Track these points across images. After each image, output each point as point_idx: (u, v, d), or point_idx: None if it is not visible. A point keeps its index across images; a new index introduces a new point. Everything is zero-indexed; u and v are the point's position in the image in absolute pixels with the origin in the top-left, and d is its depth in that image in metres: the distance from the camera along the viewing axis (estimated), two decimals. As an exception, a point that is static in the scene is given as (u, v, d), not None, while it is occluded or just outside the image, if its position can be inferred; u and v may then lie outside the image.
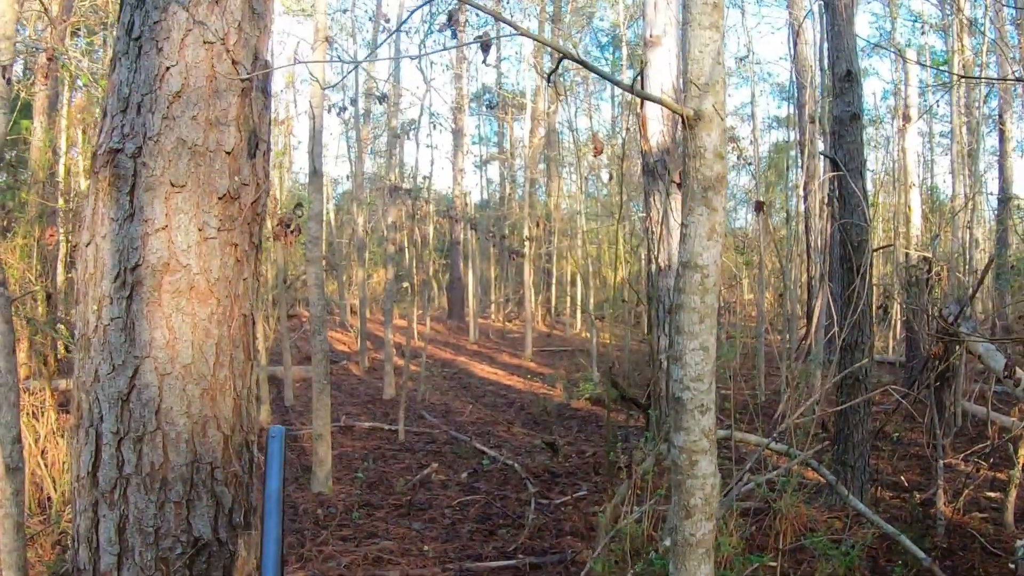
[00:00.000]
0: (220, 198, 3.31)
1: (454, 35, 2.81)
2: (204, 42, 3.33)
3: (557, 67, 2.61)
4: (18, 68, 13.54)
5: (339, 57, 24.86)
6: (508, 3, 22.90)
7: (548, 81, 2.88)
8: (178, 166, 3.25)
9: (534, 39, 2.54)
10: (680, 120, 2.74)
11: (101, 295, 3.24)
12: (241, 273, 3.40)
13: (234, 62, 3.37)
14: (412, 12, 3.38)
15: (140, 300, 3.21)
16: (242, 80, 3.38)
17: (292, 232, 6.38)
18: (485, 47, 2.75)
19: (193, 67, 3.31)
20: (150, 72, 3.30)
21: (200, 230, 3.26)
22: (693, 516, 2.77)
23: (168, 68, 3.29)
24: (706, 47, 2.58)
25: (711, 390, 2.78)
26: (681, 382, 2.75)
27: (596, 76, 29.23)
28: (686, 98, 2.65)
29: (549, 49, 25.91)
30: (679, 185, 10.16)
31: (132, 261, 3.21)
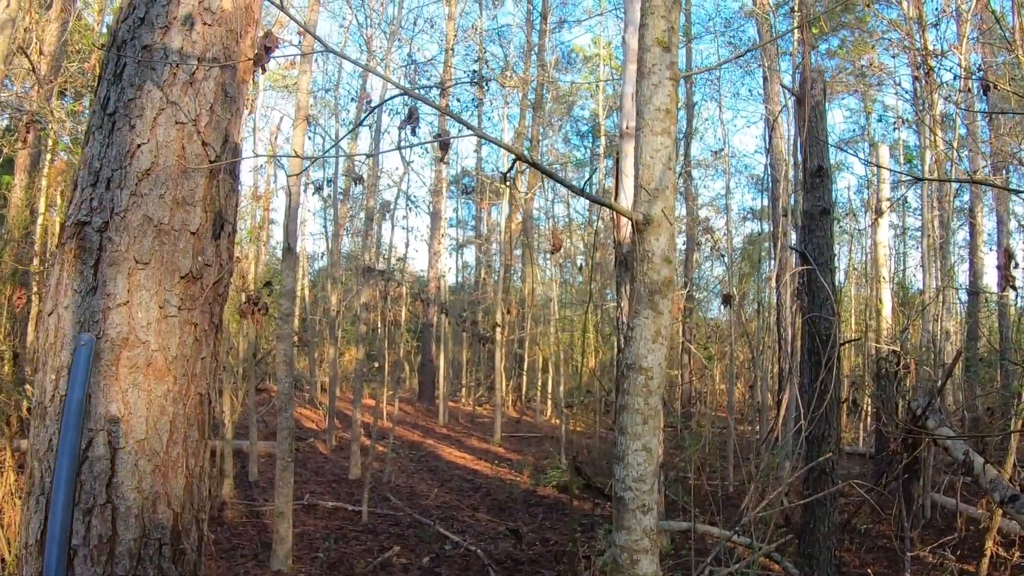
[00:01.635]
0: (182, 277, 3.36)
1: (414, 132, 2.88)
2: (176, 122, 3.40)
3: (511, 169, 2.68)
4: (2, 123, 13.62)
5: (321, 135, 25.15)
6: (490, 91, 23.25)
7: (505, 182, 2.94)
8: (143, 243, 3.29)
9: (489, 140, 2.62)
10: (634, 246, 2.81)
11: (60, 365, 3.26)
12: (199, 352, 3.43)
13: (204, 143, 3.45)
14: (371, 110, 3.45)
15: (98, 373, 3.22)
16: (211, 161, 3.45)
17: (259, 310, 6.39)
18: (444, 147, 2.83)
19: (164, 146, 3.38)
20: (121, 148, 3.37)
21: (161, 307, 3.30)
22: (635, 615, 2.78)
23: (139, 145, 3.36)
24: (657, 152, 2.66)
25: (653, 490, 2.81)
26: (623, 482, 2.78)
27: (575, 163, 29.65)
28: (635, 202, 2.72)
29: (529, 135, 26.32)
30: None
31: (92, 334, 3.23)
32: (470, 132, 2.44)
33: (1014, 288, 6.75)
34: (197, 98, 3.45)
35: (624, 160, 10.55)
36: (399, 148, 3.07)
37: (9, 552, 7.17)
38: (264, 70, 3.12)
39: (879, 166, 15.55)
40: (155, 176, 3.35)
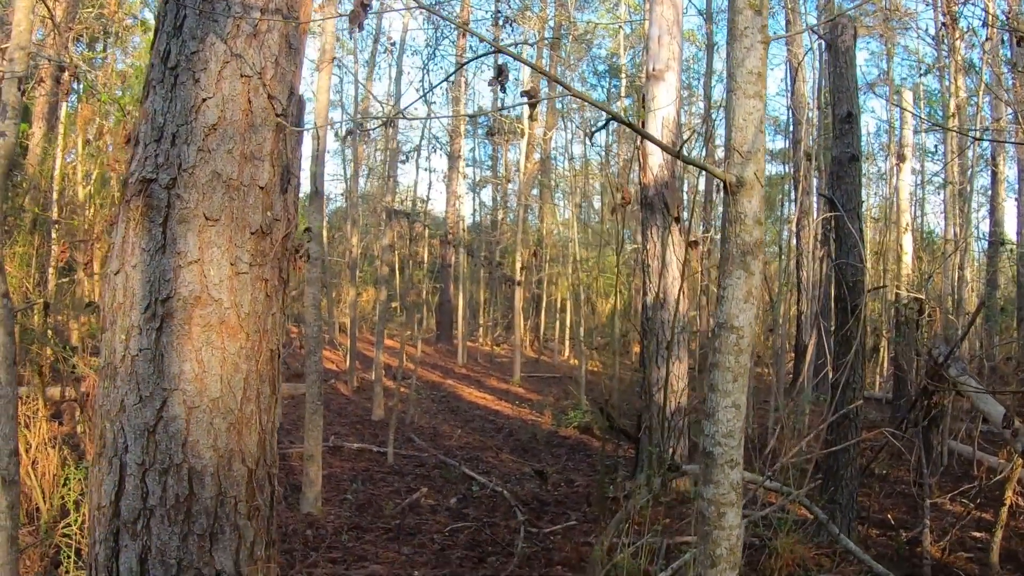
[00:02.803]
0: (253, 233, 3.34)
1: (503, 89, 2.83)
2: (241, 75, 3.36)
3: (605, 126, 2.63)
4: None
5: (338, 76, 24.92)
6: (508, 29, 22.98)
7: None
8: (212, 199, 3.27)
9: (583, 99, 2.59)
10: (723, 206, 2.78)
11: (130, 325, 3.26)
12: (270, 308, 3.43)
13: (270, 96, 3.41)
14: (460, 65, 3.38)
15: (170, 332, 3.23)
16: (277, 115, 3.42)
17: (301, 257, 6.36)
18: (532, 105, 2.79)
19: (230, 100, 3.34)
20: (186, 102, 3.33)
21: (232, 264, 3.29)
22: (719, 566, 2.81)
23: (205, 100, 3.32)
24: (750, 115, 2.63)
25: (740, 446, 2.83)
26: (713, 438, 2.79)
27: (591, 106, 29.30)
28: (728, 164, 2.69)
29: (544, 81, 26.04)
30: (677, 220, 10.22)
31: (163, 293, 3.23)
32: (565, 93, 2.40)
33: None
34: (262, 50, 3.40)
35: (651, 102, 10.45)
36: (501, 110, 3.00)
37: (44, 502, 7.25)
38: (361, 28, 3.05)
39: (905, 108, 15.38)
40: (222, 131, 3.31)
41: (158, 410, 3.22)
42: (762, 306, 22.30)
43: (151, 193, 3.28)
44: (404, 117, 3.57)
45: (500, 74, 2.64)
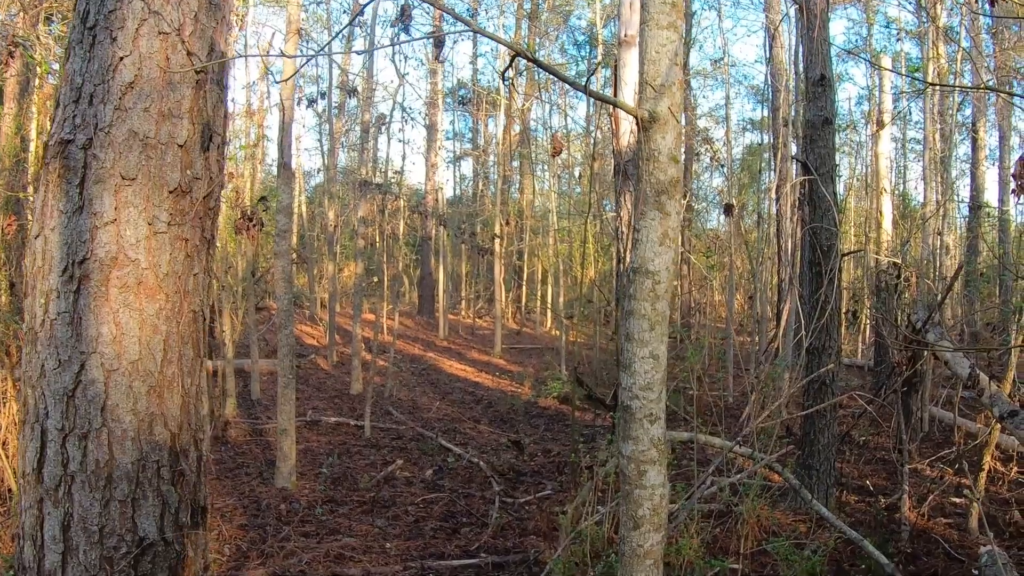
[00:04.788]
0: (171, 192, 3.24)
1: (406, 30, 2.75)
2: (159, 32, 3.26)
3: (511, 65, 2.55)
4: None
5: (314, 49, 24.74)
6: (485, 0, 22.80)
7: (503, 80, 2.81)
8: (129, 158, 3.18)
9: (485, 35, 2.50)
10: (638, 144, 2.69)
11: (48, 289, 3.17)
12: (191, 268, 3.33)
13: (189, 53, 3.30)
14: (365, 5, 3.30)
15: (87, 294, 3.14)
16: (197, 72, 3.32)
17: (255, 225, 6.29)
18: (438, 43, 2.70)
19: (147, 58, 3.24)
20: (103, 62, 3.23)
21: (150, 224, 3.19)
22: (641, 527, 2.72)
23: (122, 58, 3.22)
24: (663, 47, 2.52)
25: (661, 399, 2.73)
26: (630, 390, 2.70)
27: (572, 73, 29.19)
28: (640, 99, 2.59)
29: (525, 45, 25.87)
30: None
31: (80, 255, 3.14)
32: (466, 28, 2.32)
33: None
34: (180, 7, 3.29)
35: (623, 69, 10.34)
36: (392, 44, 2.93)
37: (16, 481, 7.16)
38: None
39: (884, 68, 15.28)
40: (139, 89, 3.21)
41: (76, 374, 3.13)
42: (744, 274, 22.32)
43: (68, 154, 3.18)
44: (327, 55, 3.45)
45: (403, 14, 2.55)
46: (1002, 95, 16.64)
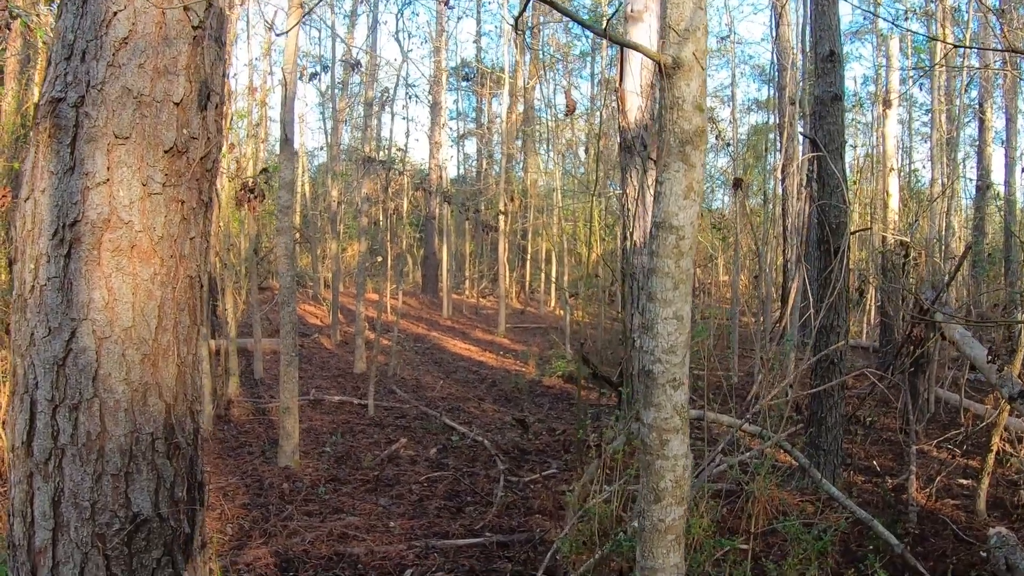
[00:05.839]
0: (166, 151, 3.10)
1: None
2: (154, -14, 3.12)
3: (524, 8, 2.42)
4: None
5: (317, 27, 24.56)
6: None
7: (516, 28, 2.68)
8: (122, 116, 3.03)
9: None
10: (660, 93, 2.55)
11: (38, 253, 3.04)
12: (188, 232, 3.19)
13: (186, 8, 3.16)
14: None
15: (78, 259, 3.00)
16: (194, 27, 3.17)
17: (256, 197, 6.16)
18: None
19: (142, 12, 3.09)
20: (96, 17, 3.09)
21: (144, 185, 3.05)
22: (663, 500, 2.59)
23: (115, 13, 3.08)
24: (688, -10, 2.38)
25: (685, 363, 2.59)
26: (652, 354, 2.56)
27: (576, 53, 29.01)
28: (664, 45, 2.45)
29: (529, 23, 25.69)
30: (656, 162, 9.99)
31: (71, 217, 3.00)
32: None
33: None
34: (176, -41, 3.16)
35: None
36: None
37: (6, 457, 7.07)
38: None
39: (893, 24, 15.11)
40: (133, 44, 3.07)
41: (67, 342, 3.00)
42: (749, 254, 22.20)
43: (58, 113, 3.04)
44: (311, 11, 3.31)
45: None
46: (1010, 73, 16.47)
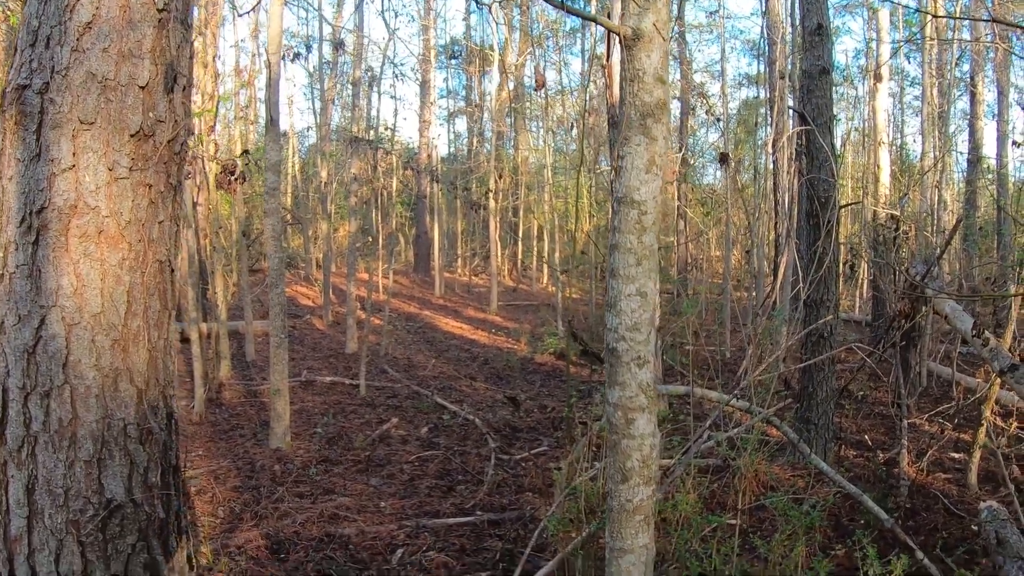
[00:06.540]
0: (132, 135, 3.07)
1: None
2: (118, -31, 3.08)
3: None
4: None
5: (305, 7, 24.41)
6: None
7: (478, 4, 2.64)
8: (87, 101, 3.01)
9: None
10: (621, 66, 2.52)
11: (7, 241, 3.03)
12: (156, 216, 3.17)
13: (150, -9, 3.13)
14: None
15: (46, 245, 2.99)
16: (159, 10, 3.14)
17: (236, 180, 6.12)
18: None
19: (106, -4, 3.06)
20: (60, 3, 3.07)
21: (110, 170, 3.03)
22: (630, 480, 2.58)
23: (79, -2, 3.05)
24: (647, -46, 2.35)
25: (649, 341, 2.56)
26: (616, 331, 2.55)
27: (566, 30, 28.87)
28: (624, 16, 2.42)
29: (517, 4, 25.55)
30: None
31: (38, 204, 2.98)
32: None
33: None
34: (140, -58, 3.11)
35: (616, 19, 10.13)
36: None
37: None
38: None
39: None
40: (97, 29, 3.04)
41: (36, 329, 2.99)
42: (740, 229, 22.18)
43: (24, 100, 3.02)
44: None
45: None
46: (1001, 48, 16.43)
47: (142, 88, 3.10)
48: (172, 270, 3.29)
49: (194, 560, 3.50)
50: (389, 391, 11.59)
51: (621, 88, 2.49)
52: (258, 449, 8.45)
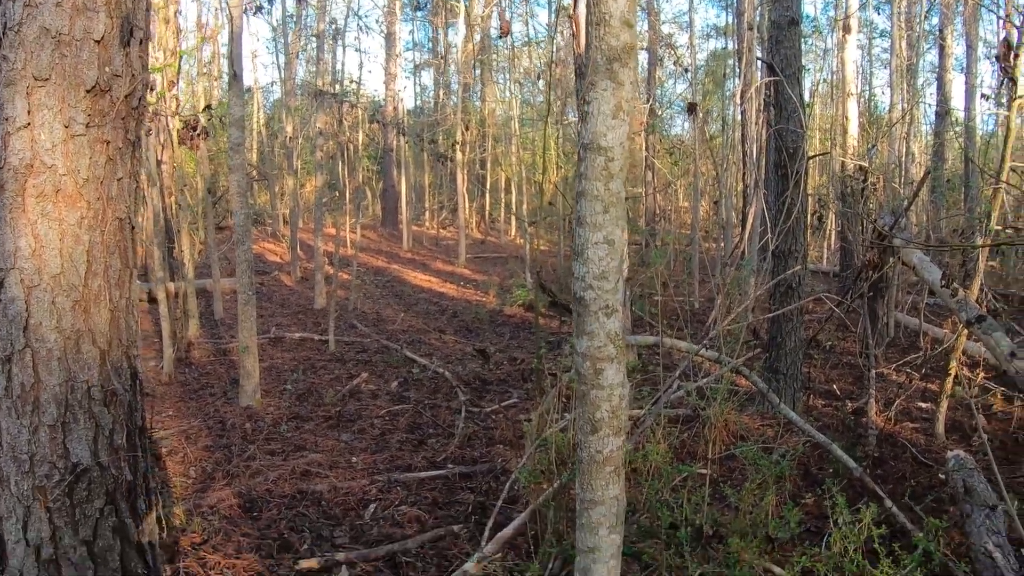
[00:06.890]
0: (88, 91, 2.99)
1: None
2: (70, -82, 2.97)
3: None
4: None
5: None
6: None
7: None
8: (41, 57, 2.92)
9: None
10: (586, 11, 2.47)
11: (-36, 203, 2.94)
12: (115, 173, 3.09)
13: (104, -60, 3.03)
14: None
15: (2, 206, 2.92)
16: (113, -39, 3.04)
17: (199, 136, 6.02)
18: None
19: (58, -53, 2.96)
20: (12, -46, 2.96)
21: (66, 127, 2.95)
22: (600, 431, 2.57)
23: (31, -51, 2.95)
24: None
25: (618, 289, 2.54)
26: (584, 280, 2.52)
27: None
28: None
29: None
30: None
31: (-5, 164, 2.91)
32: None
33: (1013, 80, 6.50)
34: None
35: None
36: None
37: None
38: None
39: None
40: (51, -18, 2.94)
41: (-6, 293, 2.93)
42: (709, 180, 22.20)
43: (-23, 59, 2.93)
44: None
45: None
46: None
47: (97, 42, 3.01)
48: (132, 228, 3.22)
49: (164, 522, 3.48)
50: (358, 346, 11.57)
51: (588, 36, 2.45)
52: (228, 407, 8.42)
